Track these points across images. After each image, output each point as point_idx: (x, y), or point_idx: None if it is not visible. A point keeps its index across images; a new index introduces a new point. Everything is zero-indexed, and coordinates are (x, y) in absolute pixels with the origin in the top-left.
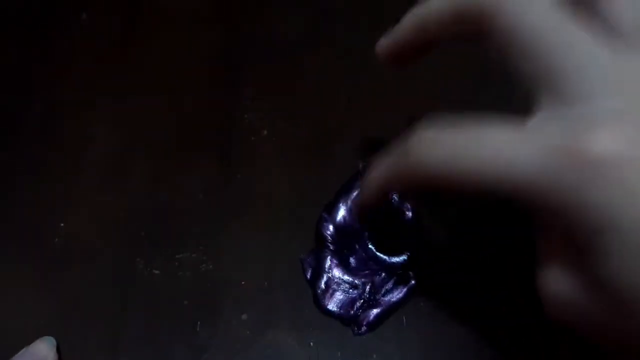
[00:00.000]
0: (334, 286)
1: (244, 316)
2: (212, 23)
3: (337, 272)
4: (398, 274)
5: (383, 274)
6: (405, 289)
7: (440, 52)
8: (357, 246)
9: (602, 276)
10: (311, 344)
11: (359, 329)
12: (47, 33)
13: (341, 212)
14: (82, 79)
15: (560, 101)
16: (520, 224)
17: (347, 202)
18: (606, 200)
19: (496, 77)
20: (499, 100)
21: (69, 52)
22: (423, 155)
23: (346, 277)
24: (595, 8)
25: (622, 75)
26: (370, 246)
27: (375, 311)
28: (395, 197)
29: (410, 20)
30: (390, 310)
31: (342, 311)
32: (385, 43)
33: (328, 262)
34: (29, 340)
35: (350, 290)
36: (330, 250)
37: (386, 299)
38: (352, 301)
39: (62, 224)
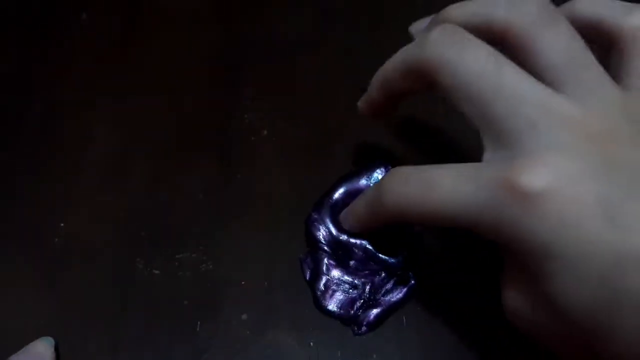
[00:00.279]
0: (334, 286)
1: (244, 316)
2: (212, 23)
3: (336, 273)
4: (398, 274)
5: (383, 274)
6: (405, 289)
7: None
8: (353, 247)
9: (547, 296)
10: (311, 344)
11: (359, 329)
12: (47, 33)
13: (330, 214)
14: (82, 79)
15: (498, 142)
16: None
17: (335, 200)
18: (540, 230)
19: None
20: None
21: (69, 52)
22: (392, 198)
23: (346, 278)
24: (526, 53)
25: (553, 112)
26: (369, 246)
27: (375, 311)
28: None
29: (377, 80)
30: (390, 310)
31: (342, 311)
32: (362, 103)
33: (325, 264)
34: (28, 340)
35: (350, 290)
36: (326, 251)
37: (386, 299)
38: (352, 301)
39: (62, 224)
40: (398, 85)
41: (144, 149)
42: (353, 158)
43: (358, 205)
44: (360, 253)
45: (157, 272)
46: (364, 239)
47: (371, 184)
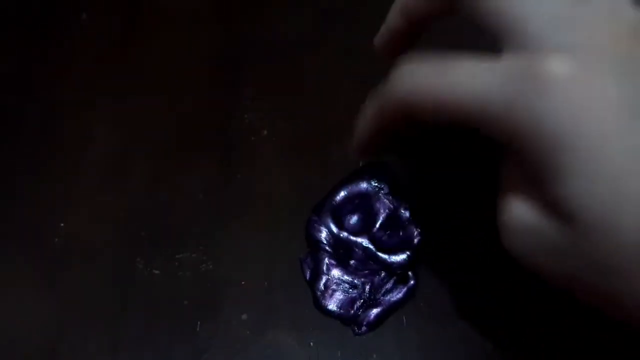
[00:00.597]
0: (334, 286)
1: (244, 316)
2: (212, 23)
3: (336, 273)
4: (398, 274)
5: (383, 274)
6: (405, 289)
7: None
8: (354, 245)
9: (557, 197)
10: (311, 344)
11: (359, 329)
12: (47, 33)
13: (331, 214)
14: (82, 79)
15: (520, 43)
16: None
17: (337, 202)
18: (556, 117)
19: None
20: None
21: (69, 52)
22: (404, 85)
23: (345, 277)
24: None
25: (578, 13)
26: (369, 246)
27: (375, 311)
28: (391, 197)
29: (395, 7)
30: (390, 310)
31: (342, 311)
32: (380, 36)
33: (325, 264)
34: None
35: (350, 290)
36: (327, 251)
37: (386, 298)
38: (352, 301)
39: (62, 224)
40: (419, 5)
41: (144, 149)
42: (352, 158)
43: (366, 106)
44: (361, 252)
45: (157, 272)
46: (364, 238)
47: (373, 185)
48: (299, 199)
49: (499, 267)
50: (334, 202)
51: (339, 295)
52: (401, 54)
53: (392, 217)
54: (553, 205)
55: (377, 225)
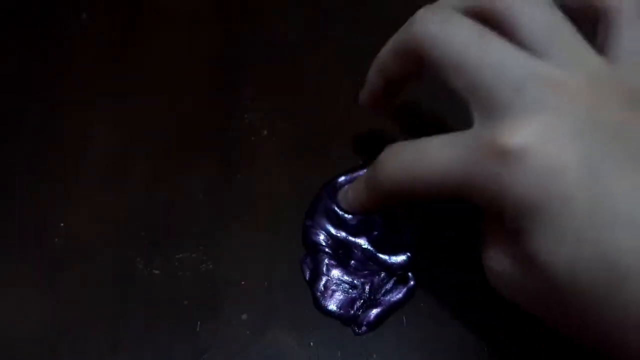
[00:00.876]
0: (333, 287)
1: (244, 316)
2: (212, 23)
3: (335, 273)
4: (398, 274)
5: (383, 274)
6: (405, 289)
7: None
8: (353, 246)
9: (529, 253)
10: (311, 344)
11: (359, 329)
12: (47, 33)
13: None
14: (82, 79)
15: (486, 110)
16: None
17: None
18: (522, 185)
19: None
20: None
21: (69, 52)
22: (384, 173)
23: (345, 278)
24: (510, 27)
25: (537, 75)
26: (369, 246)
27: (375, 311)
28: None
29: (373, 68)
30: (390, 310)
31: (342, 311)
32: (362, 95)
33: (325, 264)
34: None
35: (350, 290)
36: (326, 253)
37: (386, 299)
38: (352, 301)
39: (62, 224)
40: (393, 69)
41: (144, 149)
42: (353, 158)
43: (357, 184)
44: (360, 253)
45: (157, 272)
46: (364, 239)
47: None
48: (299, 199)
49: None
50: (322, 204)
51: (338, 296)
52: (385, 107)
53: (392, 218)
54: (527, 257)
55: (377, 226)
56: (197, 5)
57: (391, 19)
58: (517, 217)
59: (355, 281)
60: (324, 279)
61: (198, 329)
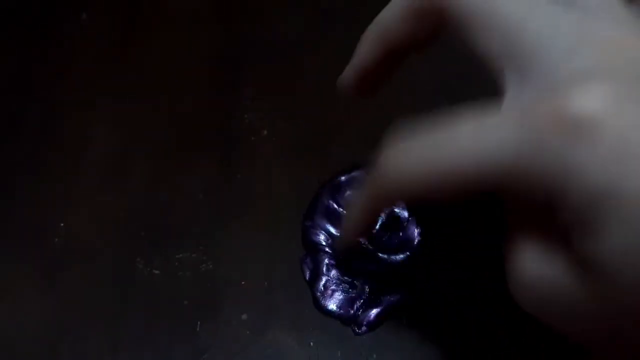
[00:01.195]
0: (333, 286)
1: (244, 316)
2: (212, 23)
3: (335, 272)
4: (398, 274)
5: (383, 274)
6: (405, 289)
7: (439, 51)
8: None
9: (592, 255)
10: (311, 344)
11: (359, 328)
12: (47, 33)
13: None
14: (82, 79)
15: (526, 73)
16: None
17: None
18: (596, 164)
19: None
20: None
21: (69, 52)
22: (396, 170)
23: (345, 277)
24: None
25: (586, 36)
26: (369, 246)
27: (375, 311)
28: None
29: (370, 33)
30: (390, 310)
31: (342, 311)
32: (347, 75)
33: (325, 264)
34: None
35: (350, 290)
36: (327, 252)
37: (386, 298)
38: (352, 301)
39: (62, 224)
40: (401, 33)
41: (144, 149)
42: (353, 158)
43: (357, 198)
44: (360, 253)
45: (157, 272)
46: (364, 238)
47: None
48: (298, 199)
49: (499, 267)
50: (320, 203)
51: (338, 295)
52: (369, 94)
53: (392, 218)
54: (581, 260)
55: (377, 226)
56: (197, 5)
57: None
58: (584, 209)
59: (355, 281)
60: (324, 278)
61: (198, 329)
